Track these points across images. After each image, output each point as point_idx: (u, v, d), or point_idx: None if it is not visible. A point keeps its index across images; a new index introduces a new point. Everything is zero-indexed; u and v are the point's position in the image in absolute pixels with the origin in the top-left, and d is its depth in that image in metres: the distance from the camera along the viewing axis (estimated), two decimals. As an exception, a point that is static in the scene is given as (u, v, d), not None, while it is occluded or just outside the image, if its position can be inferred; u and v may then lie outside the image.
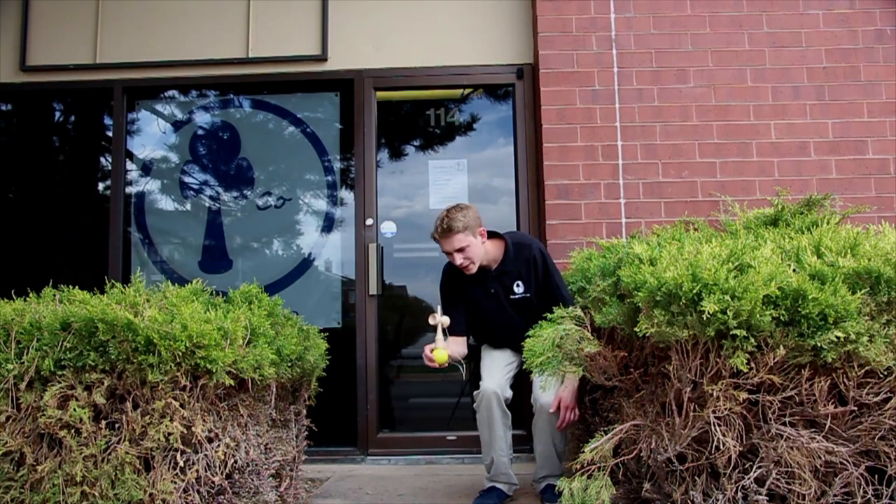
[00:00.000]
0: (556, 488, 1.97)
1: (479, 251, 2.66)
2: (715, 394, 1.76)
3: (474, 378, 2.77)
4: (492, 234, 2.75)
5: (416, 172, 4.04)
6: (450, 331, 2.66)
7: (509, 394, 2.66)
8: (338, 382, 3.41)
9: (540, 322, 2.20)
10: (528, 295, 2.69)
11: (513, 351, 2.74)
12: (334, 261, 3.99)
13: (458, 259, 2.63)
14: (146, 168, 4.10)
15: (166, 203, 4.09)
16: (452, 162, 3.96)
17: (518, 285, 2.70)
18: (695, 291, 1.71)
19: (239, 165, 4.07)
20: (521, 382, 2.84)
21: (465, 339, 2.78)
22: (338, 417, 3.67)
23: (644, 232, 3.35)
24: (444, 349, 2.55)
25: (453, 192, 3.92)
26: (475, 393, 2.67)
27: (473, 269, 2.66)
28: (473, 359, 2.95)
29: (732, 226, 2.67)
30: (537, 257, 2.68)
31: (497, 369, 2.69)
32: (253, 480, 2.20)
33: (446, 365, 2.57)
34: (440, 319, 2.59)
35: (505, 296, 2.71)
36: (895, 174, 3.54)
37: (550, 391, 2.48)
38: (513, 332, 2.63)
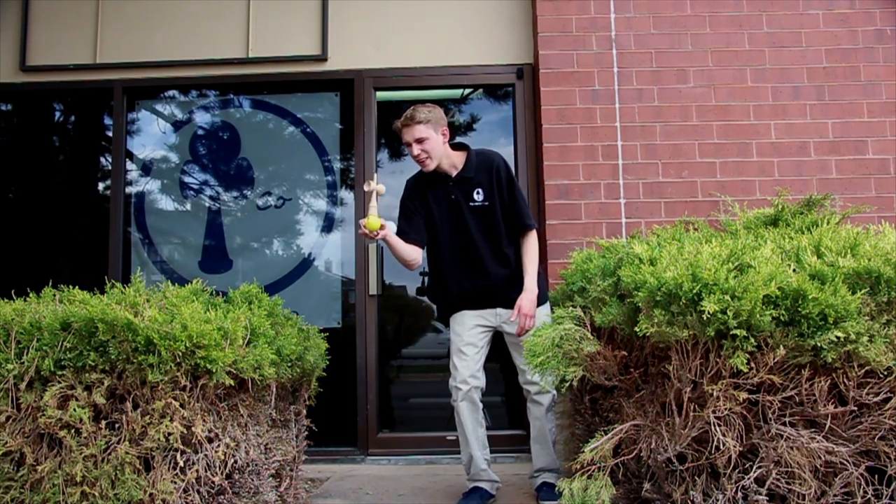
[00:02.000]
0: (557, 489, 1.97)
1: (439, 149, 2.66)
2: (715, 394, 1.76)
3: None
4: (459, 146, 2.77)
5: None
6: (406, 238, 2.68)
7: (481, 381, 2.64)
8: (338, 382, 3.41)
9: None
10: (488, 203, 2.68)
11: (481, 326, 2.69)
12: (334, 261, 3.99)
13: (416, 150, 2.64)
14: (146, 168, 4.10)
15: (166, 203, 4.09)
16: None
17: (478, 192, 2.68)
18: (695, 291, 1.71)
19: (239, 165, 4.07)
20: (515, 383, 2.81)
21: (420, 249, 2.73)
22: (338, 417, 3.67)
23: (644, 232, 3.35)
24: (377, 217, 2.52)
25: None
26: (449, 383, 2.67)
27: (430, 165, 2.66)
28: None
29: (732, 226, 2.66)
30: (500, 166, 2.69)
31: (468, 354, 2.64)
32: (253, 480, 2.20)
33: (377, 234, 2.51)
34: (375, 187, 2.58)
35: (465, 202, 2.69)
36: (895, 174, 3.54)
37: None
38: (471, 251, 2.66)
